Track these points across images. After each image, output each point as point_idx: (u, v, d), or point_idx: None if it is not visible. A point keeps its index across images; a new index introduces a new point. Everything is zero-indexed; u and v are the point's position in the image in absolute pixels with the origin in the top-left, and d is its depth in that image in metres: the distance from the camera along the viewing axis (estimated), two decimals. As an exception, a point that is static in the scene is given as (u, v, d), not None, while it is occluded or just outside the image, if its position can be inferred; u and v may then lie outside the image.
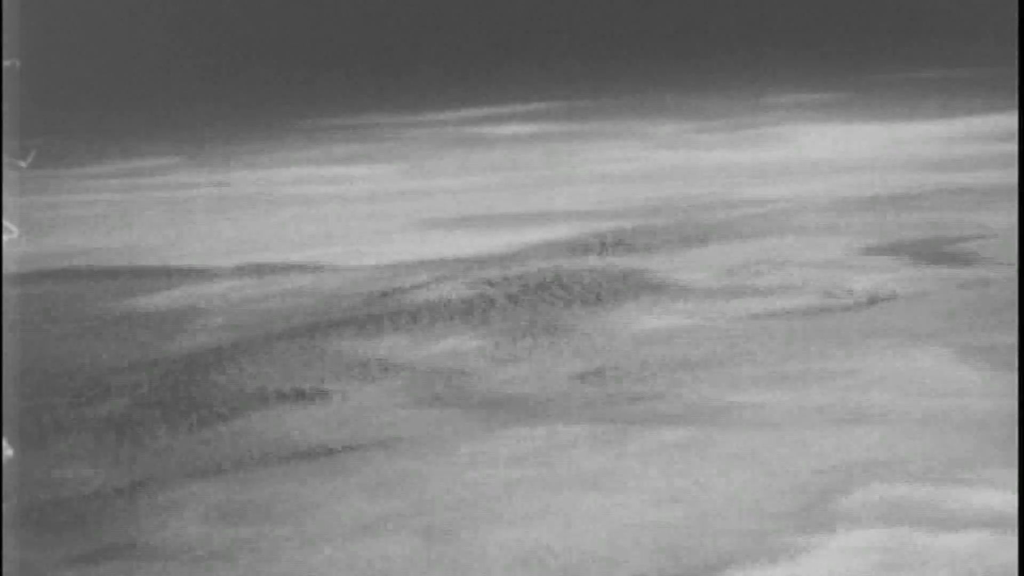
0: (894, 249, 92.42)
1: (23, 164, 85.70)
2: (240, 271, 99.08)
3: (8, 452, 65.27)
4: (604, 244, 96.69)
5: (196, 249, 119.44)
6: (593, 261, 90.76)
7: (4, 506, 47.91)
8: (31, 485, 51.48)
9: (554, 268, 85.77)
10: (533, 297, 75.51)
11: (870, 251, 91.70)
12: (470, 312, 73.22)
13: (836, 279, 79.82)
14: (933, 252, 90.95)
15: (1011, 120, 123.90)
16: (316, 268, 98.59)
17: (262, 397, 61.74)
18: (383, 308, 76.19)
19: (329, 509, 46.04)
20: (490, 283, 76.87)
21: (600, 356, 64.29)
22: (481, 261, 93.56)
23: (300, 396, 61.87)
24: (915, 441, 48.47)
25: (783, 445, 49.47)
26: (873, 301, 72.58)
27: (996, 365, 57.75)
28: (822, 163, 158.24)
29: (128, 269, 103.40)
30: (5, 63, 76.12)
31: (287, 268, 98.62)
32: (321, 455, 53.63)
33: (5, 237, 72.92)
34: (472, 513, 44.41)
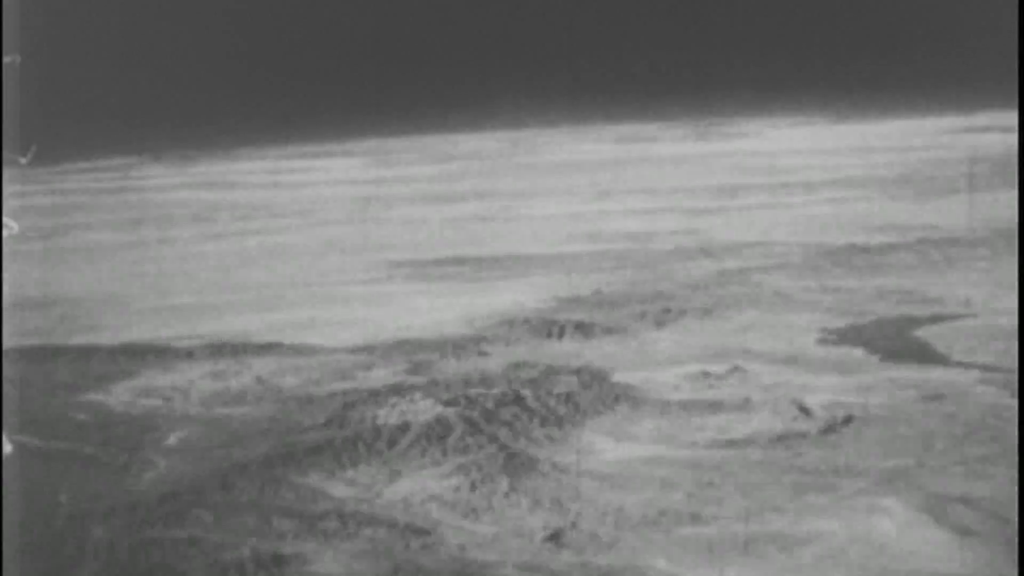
0: (861, 336, 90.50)
1: (23, 161, 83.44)
2: (199, 352, 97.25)
3: (7, 449, 64.01)
4: (566, 326, 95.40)
5: (154, 303, 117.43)
6: (556, 349, 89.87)
7: None
8: None
9: (515, 367, 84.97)
10: (493, 418, 74.34)
11: (837, 340, 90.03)
12: (429, 438, 72.15)
13: (799, 385, 78.74)
14: (903, 342, 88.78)
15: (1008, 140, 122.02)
16: (276, 349, 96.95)
17: (221, 568, 60.47)
18: (340, 432, 75.19)
19: None
20: (450, 402, 75.89)
21: (567, 507, 63.20)
22: (441, 347, 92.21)
23: (258, 565, 60.68)
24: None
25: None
26: (835, 425, 71.01)
27: (968, 530, 56.23)
28: (800, 178, 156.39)
29: (80, 349, 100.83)
30: (5, 59, 73.59)
31: (246, 349, 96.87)
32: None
33: (5, 233, 71.04)
34: None
